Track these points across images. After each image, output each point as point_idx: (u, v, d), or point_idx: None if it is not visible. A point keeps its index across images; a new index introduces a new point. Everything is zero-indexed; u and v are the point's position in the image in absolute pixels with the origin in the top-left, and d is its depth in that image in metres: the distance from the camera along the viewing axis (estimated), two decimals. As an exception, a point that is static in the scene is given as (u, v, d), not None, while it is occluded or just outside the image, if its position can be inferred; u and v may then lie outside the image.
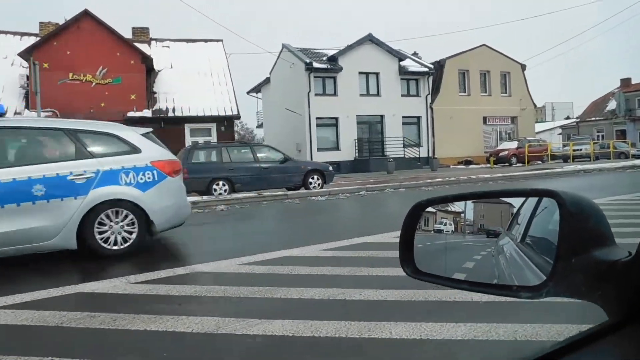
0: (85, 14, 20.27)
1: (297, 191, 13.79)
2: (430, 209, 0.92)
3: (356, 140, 27.98)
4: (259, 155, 14.30)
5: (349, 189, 13.93)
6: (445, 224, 0.89)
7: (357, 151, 27.93)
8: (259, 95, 35.85)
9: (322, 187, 14.59)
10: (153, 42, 24.71)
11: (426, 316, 3.55)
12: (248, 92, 36.30)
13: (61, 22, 21.40)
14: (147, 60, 21.13)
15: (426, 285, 4.30)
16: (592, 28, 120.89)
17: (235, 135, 64.46)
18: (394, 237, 6.91)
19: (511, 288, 0.72)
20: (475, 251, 0.82)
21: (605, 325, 0.63)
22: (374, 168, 25.64)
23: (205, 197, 12.71)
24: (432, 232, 0.91)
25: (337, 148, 27.77)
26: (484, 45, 32.70)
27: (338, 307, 4.00)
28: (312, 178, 14.64)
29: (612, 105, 47.45)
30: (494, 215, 0.82)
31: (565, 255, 0.63)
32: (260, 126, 38.70)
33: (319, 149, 27.11)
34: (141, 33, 24.46)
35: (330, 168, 15.34)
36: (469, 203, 0.87)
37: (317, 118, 27.15)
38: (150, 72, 21.86)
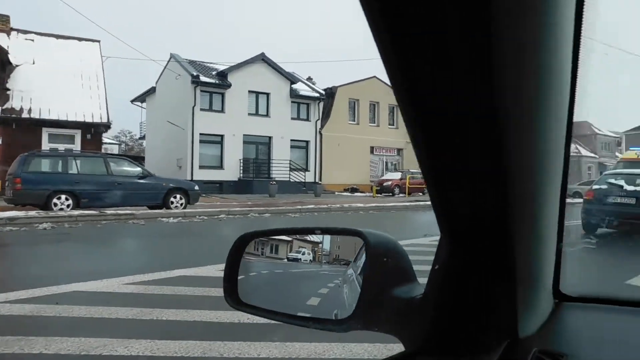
0: None
1: (147, 211, 12.48)
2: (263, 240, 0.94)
3: (241, 160, 27.07)
4: (113, 168, 12.85)
5: (209, 212, 12.94)
6: (303, 253, 0.89)
7: (241, 171, 27.00)
8: (144, 104, 33.68)
9: (184, 207, 13.47)
10: (14, 33, 21.88)
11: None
12: (132, 101, 33.99)
13: None
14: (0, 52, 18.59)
15: (211, 337, 3.36)
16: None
17: (123, 146, 60.33)
18: (219, 269, 6.11)
19: (319, 321, 0.74)
20: (329, 280, 0.82)
21: (398, 356, 0.66)
22: (258, 190, 24.85)
23: (32, 213, 10.98)
24: (287, 260, 0.90)
25: (220, 167, 26.62)
26: (375, 77, 33.77)
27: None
28: (175, 197, 13.47)
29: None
30: (348, 245, 0.82)
31: (368, 293, 0.67)
32: (142, 138, 36.33)
33: (200, 167, 25.77)
34: (-1, 21, 21.57)
35: (196, 187, 14.26)
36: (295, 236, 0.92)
37: (201, 134, 25.87)
38: (4, 65, 19.26)
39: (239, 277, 0.89)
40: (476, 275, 0.62)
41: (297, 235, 0.92)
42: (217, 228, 10.87)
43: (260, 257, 0.92)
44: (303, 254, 0.89)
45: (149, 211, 12.46)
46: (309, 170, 29.36)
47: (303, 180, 28.05)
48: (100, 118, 20.14)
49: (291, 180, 27.65)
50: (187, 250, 7.86)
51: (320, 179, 29.45)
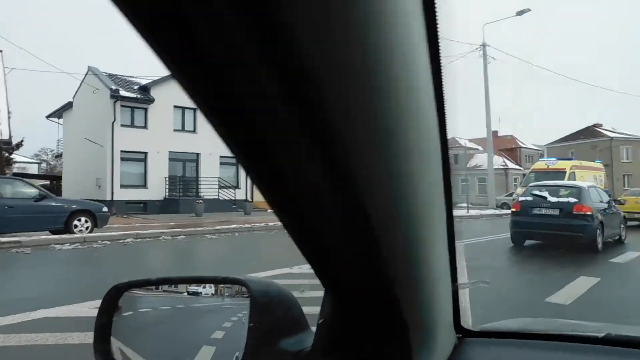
0: None
1: (37, 237, 10.95)
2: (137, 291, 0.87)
3: (167, 179, 25.55)
4: (3, 190, 11.30)
5: (113, 235, 11.66)
6: (204, 286, 0.84)
7: (167, 190, 25.47)
8: (61, 120, 31.33)
9: (91, 231, 12.12)
10: None
11: None
12: (48, 117, 31.55)
13: None
14: None
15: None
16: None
17: (44, 165, 56.15)
18: (94, 307, 5.09)
19: None
20: (232, 313, 0.76)
21: None
22: (185, 209, 23.43)
23: None
24: (187, 294, 0.84)
25: (144, 186, 24.98)
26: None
27: None
28: (79, 220, 12.08)
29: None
30: None
31: (251, 347, 0.61)
32: (59, 156, 33.77)
33: (122, 186, 24.04)
34: None
35: (105, 209, 12.92)
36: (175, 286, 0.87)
37: (122, 151, 24.18)
38: None
39: (127, 314, 0.82)
40: (364, 324, 0.57)
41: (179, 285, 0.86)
42: (116, 255, 9.64)
43: (157, 292, 0.86)
44: (204, 287, 0.84)
45: (40, 237, 10.98)
46: (239, 188, 28.22)
47: (233, 198, 26.90)
48: (1, 134, 18.18)
49: (220, 198, 26.42)
50: (67, 284, 6.68)
51: (252, 197, 28.40)
